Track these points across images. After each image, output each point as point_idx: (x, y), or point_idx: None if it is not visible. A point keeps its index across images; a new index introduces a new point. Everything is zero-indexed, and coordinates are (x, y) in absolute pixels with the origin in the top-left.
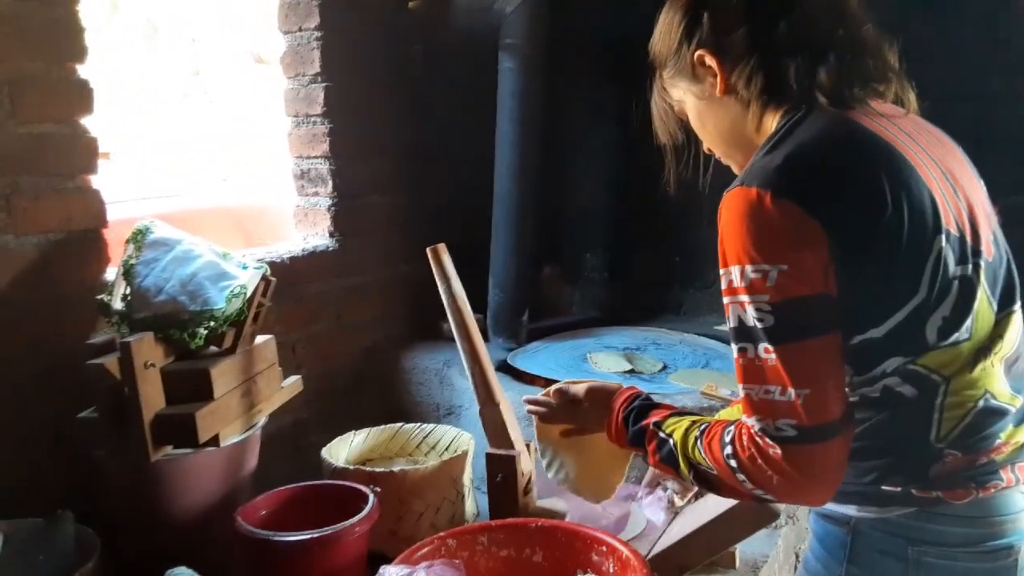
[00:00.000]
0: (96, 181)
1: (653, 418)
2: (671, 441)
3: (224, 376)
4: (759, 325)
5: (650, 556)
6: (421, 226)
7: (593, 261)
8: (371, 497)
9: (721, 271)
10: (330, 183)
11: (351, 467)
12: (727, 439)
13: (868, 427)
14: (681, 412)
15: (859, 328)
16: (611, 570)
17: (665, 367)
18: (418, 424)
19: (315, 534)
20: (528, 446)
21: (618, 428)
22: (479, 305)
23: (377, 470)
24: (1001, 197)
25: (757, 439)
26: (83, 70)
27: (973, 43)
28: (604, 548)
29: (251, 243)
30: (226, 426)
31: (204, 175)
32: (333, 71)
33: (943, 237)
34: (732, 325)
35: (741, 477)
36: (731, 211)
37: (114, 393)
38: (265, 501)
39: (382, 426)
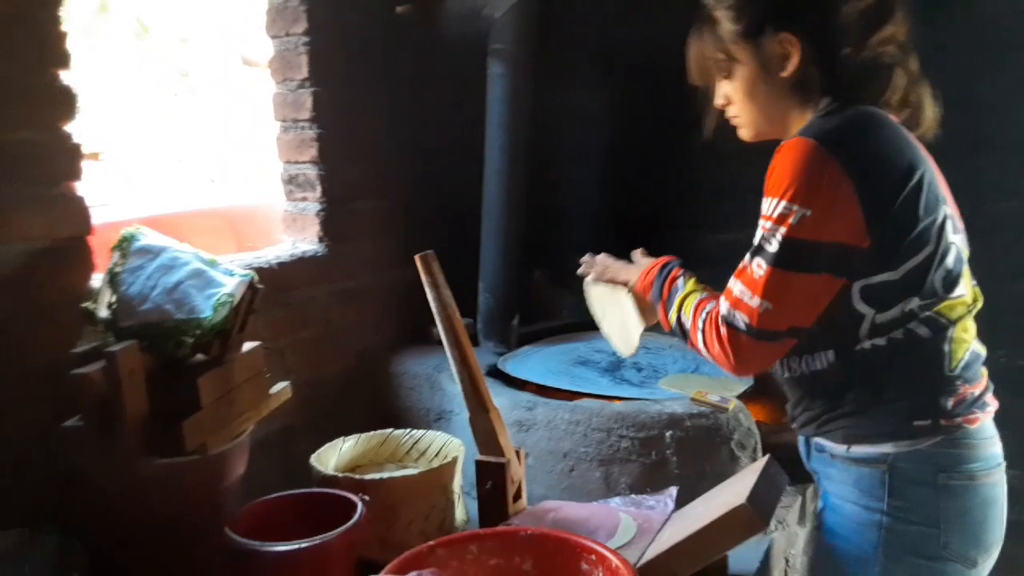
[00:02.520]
0: (80, 188)
1: (675, 272)
2: (677, 294)
3: (211, 384)
4: (767, 248)
5: (639, 564)
6: (411, 230)
7: None
8: (359, 505)
9: (764, 199)
10: (319, 188)
11: (340, 475)
12: (706, 309)
13: (897, 372)
14: (699, 281)
15: (878, 270)
16: None
17: (656, 371)
18: (408, 430)
19: (303, 544)
20: (518, 453)
21: (649, 272)
22: (469, 309)
23: (366, 477)
24: (989, 202)
25: (718, 319)
26: (66, 75)
27: (962, 47)
28: (593, 556)
29: (242, 245)
30: (213, 434)
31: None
32: (321, 76)
33: (946, 208)
34: (755, 241)
35: (698, 337)
36: (787, 154)
37: (99, 402)
38: (253, 510)
39: (371, 432)
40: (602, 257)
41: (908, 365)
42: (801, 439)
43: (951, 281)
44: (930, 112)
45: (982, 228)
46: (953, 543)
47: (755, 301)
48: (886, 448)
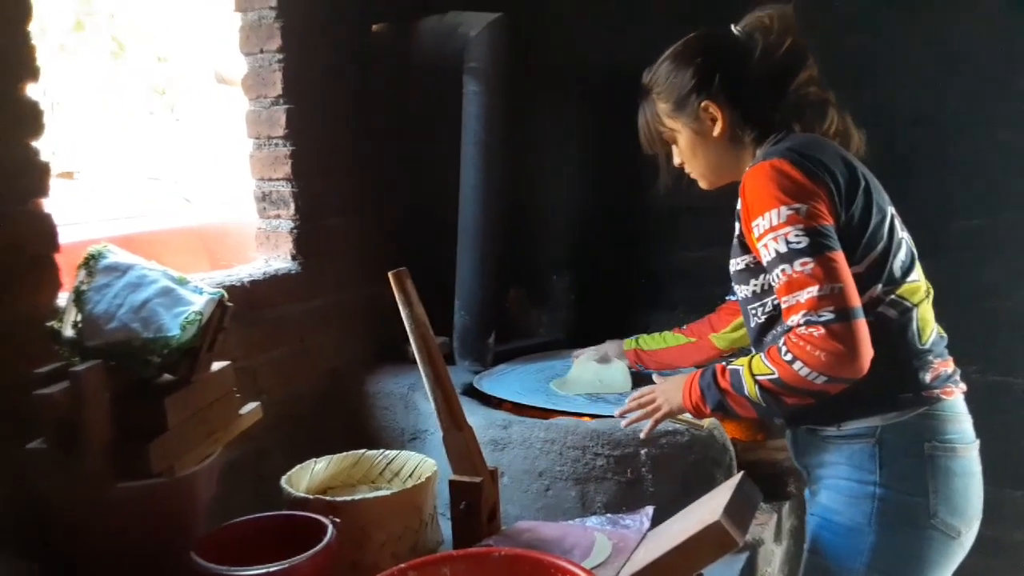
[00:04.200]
0: (48, 205)
1: (716, 369)
2: (740, 369)
3: (178, 405)
4: (797, 246)
5: None
6: (386, 248)
7: (560, 283)
8: (330, 528)
9: (754, 222)
10: (292, 205)
11: (311, 497)
12: (781, 345)
13: (876, 350)
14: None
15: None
16: None
17: (632, 388)
18: (381, 451)
19: (271, 568)
20: (493, 472)
21: (692, 385)
22: (445, 327)
23: (337, 499)
24: (953, 220)
25: (802, 331)
26: (34, 90)
27: (925, 64)
28: None
29: (216, 264)
30: (181, 456)
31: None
32: (295, 93)
33: (891, 208)
34: (771, 257)
35: (798, 366)
36: (758, 177)
37: (64, 424)
38: (221, 534)
39: (344, 453)
40: (632, 403)
41: (884, 343)
42: (789, 434)
43: (907, 268)
44: (856, 135)
45: (950, 246)
46: (941, 512)
47: (825, 288)
48: (874, 421)
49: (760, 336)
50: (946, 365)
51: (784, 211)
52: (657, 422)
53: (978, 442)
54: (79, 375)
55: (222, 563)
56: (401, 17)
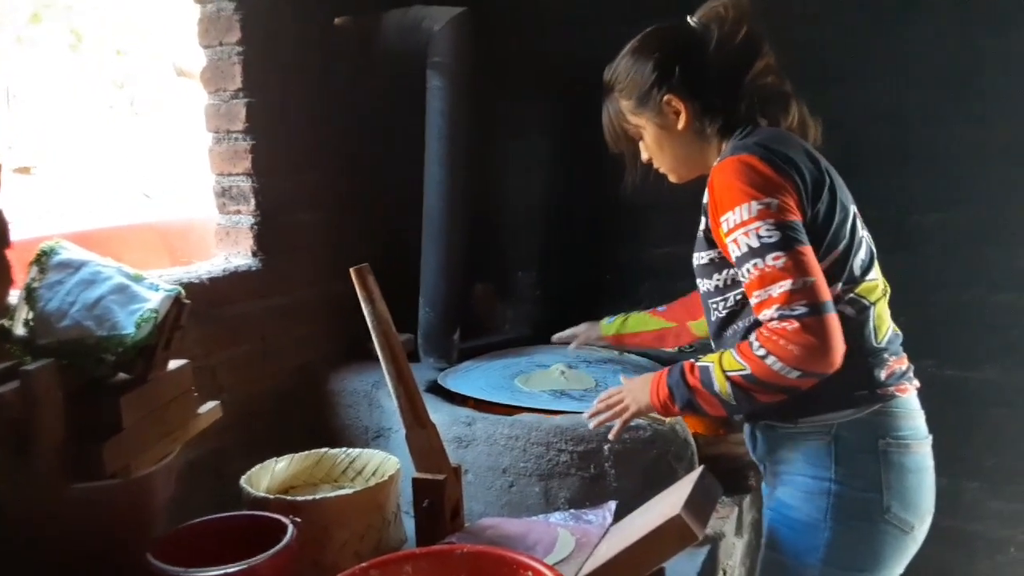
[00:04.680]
0: None
1: (684, 366)
2: (710, 365)
3: (133, 404)
4: (768, 240)
5: None
6: (350, 244)
7: (525, 278)
8: (290, 528)
9: (723, 217)
10: (252, 201)
11: (271, 496)
12: (752, 339)
13: None
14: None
15: None
16: None
17: (597, 385)
18: (344, 449)
19: (229, 569)
20: (456, 469)
21: (660, 384)
22: (410, 324)
23: (299, 499)
24: (917, 214)
25: (775, 325)
26: None
27: (887, 61)
28: (530, 573)
29: (176, 260)
30: (137, 456)
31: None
32: (255, 86)
33: (853, 207)
34: (741, 252)
35: (771, 360)
36: (727, 172)
37: (14, 424)
38: (178, 535)
39: (305, 452)
40: (600, 404)
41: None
42: (747, 429)
43: (866, 267)
44: (812, 125)
45: (909, 240)
46: (894, 507)
47: (798, 282)
48: (830, 418)
49: (720, 330)
50: (900, 363)
51: (755, 206)
52: (625, 423)
53: (931, 438)
54: (31, 374)
55: (181, 564)
56: (364, 10)
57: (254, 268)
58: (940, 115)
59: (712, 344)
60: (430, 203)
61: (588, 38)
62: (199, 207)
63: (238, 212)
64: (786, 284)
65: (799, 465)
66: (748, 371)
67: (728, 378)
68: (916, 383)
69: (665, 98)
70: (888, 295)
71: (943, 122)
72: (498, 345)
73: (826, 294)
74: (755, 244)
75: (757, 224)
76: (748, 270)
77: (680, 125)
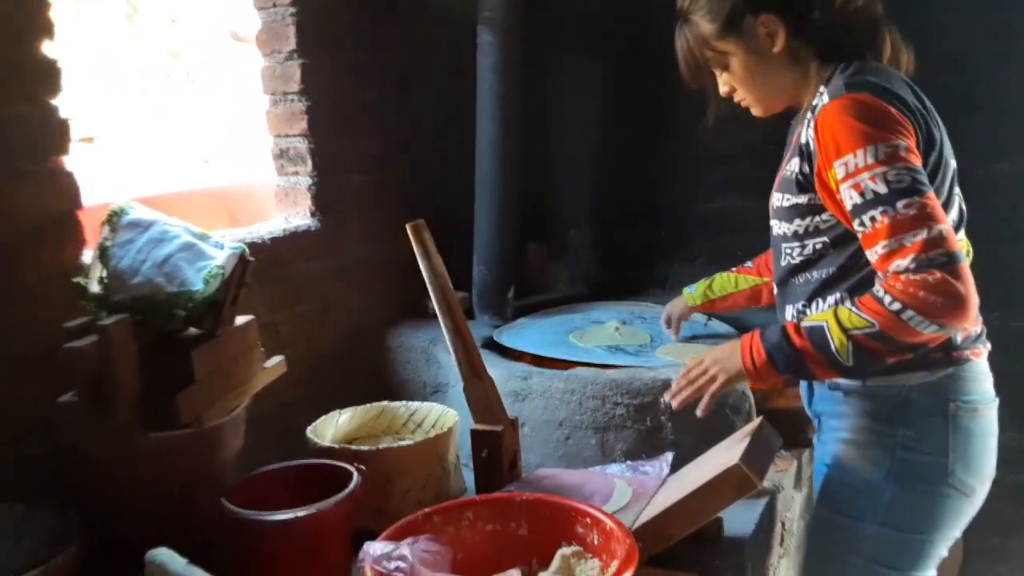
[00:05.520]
0: (69, 162)
1: (786, 327)
2: (823, 324)
3: (204, 358)
4: (899, 186)
5: (634, 527)
6: (404, 204)
7: (578, 237)
8: (355, 475)
9: (841, 160)
10: (310, 162)
11: (336, 446)
12: (880, 294)
13: None
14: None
15: None
16: (595, 542)
17: (651, 340)
18: (404, 402)
19: (299, 513)
20: (514, 422)
21: (755, 348)
22: (464, 283)
23: (362, 448)
24: (982, 165)
25: (913, 276)
26: (50, 48)
27: (953, 6)
28: (588, 520)
29: (236, 224)
30: (208, 408)
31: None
32: (310, 48)
33: (954, 162)
34: (864, 199)
35: (909, 314)
36: (844, 111)
37: (93, 377)
38: (250, 482)
39: (367, 405)
40: (682, 380)
41: None
42: (804, 383)
43: (956, 227)
44: (906, 53)
45: (976, 190)
46: (958, 470)
47: (934, 231)
48: (902, 380)
49: (788, 276)
50: (976, 325)
51: (882, 149)
52: (714, 395)
53: (997, 401)
54: (107, 329)
55: (252, 509)
56: None
57: (312, 228)
58: (1005, 61)
59: (775, 290)
60: (483, 162)
61: None
62: (257, 172)
63: (296, 173)
64: (922, 233)
65: (862, 424)
66: (876, 328)
67: (851, 337)
68: (988, 346)
69: (760, 18)
70: (971, 257)
71: (1008, 68)
72: (552, 303)
73: (956, 243)
74: (883, 190)
75: (884, 169)
76: (873, 217)
77: (776, 49)
